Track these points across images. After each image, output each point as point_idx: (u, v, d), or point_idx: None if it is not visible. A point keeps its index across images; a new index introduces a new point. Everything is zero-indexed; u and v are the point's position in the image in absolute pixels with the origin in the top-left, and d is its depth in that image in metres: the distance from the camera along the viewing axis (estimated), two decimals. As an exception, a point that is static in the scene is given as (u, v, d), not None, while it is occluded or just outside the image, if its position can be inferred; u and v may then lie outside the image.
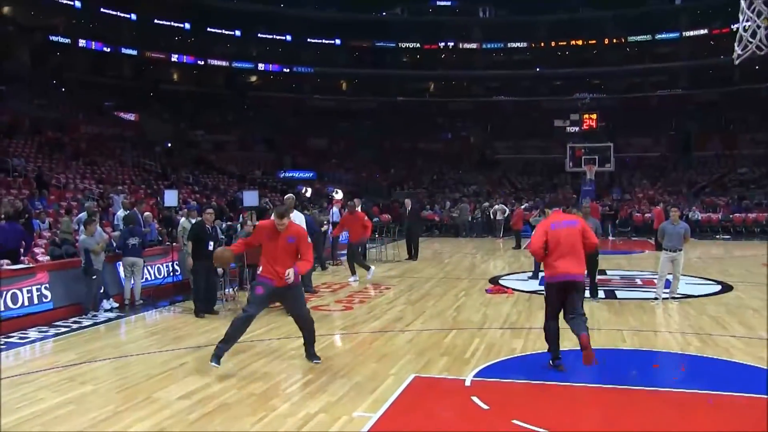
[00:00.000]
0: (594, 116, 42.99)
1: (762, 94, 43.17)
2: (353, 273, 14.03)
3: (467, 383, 6.56)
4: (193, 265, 10.53)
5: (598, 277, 12.00)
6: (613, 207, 31.59)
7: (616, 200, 34.04)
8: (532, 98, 49.51)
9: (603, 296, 11.67)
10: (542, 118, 45.21)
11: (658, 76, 49.20)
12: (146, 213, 14.50)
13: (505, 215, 26.84)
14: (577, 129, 42.51)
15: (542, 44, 51.24)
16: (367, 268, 13.80)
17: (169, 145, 38.91)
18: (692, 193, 35.53)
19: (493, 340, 8.44)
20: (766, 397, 6.07)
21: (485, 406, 5.85)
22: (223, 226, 15.06)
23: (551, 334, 7.08)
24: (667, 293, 11.32)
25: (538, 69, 50.71)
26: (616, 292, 12.48)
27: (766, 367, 7.03)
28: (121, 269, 11.60)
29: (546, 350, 7.20)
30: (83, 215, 14.53)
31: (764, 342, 8.19)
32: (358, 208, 18.65)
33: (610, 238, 26.29)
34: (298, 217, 11.46)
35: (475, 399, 6.01)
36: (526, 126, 45.73)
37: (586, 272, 7.45)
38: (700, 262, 17.43)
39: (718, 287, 13.11)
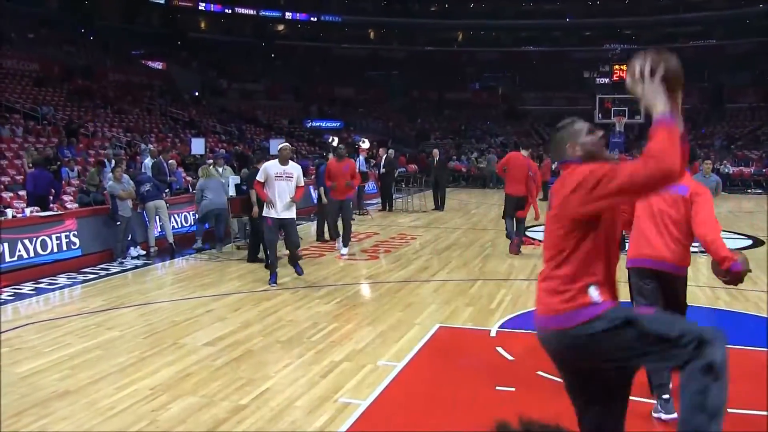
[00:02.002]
0: (625, 67, 41.84)
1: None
2: (336, 238, 11.60)
3: (492, 334, 6.51)
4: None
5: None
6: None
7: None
8: (561, 48, 48.44)
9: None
10: (571, 69, 44.31)
11: (692, 26, 47.72)
12: (171, 161, 14.52)
13: None
14: (607, 80, 41.52)
15: (573, -8, 49.90)
16: (342, 240, 11.20)
17: (197, 93, 38.85)
18: (724, 147, 34.75)
19: (519, 291, 8.37)
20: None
21: (510, 357, 5.81)
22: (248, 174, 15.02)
23: None
24: (695, 247, 11.04)
25: (568, 19, 49.48)
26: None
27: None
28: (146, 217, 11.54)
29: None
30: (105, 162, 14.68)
31: (795, 297, 8.02)
32: (383, 156, 18.56)
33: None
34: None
35: (499, 349, 5.97)
36: (555, 77, 44.89)
37: None
38: (731, 216, 17.09)
39: (749, 242, 12.87)
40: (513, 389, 5.10)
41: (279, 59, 47.53)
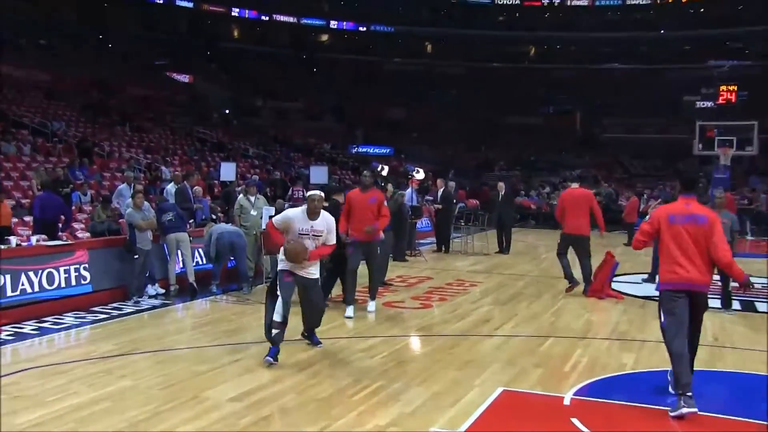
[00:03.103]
0: (733, 88, 41.21)
1: None
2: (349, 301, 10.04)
3: (566, 402, 6.42)
4: None
5: (734, 284, 11.56)
6: (753, 200, 30.38)
7: (757, 191, 32.70)
8: (653, 66, 48.06)
9: (738, 307, 11.24)
10: (665, 91, 43.93)
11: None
12: (196, 187, 14.81)
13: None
14: (710, 104, 40.99)
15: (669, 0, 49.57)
16: (369, 292, 10.35)
17: (227, 111, 39.63)
18: None
19: (598, 353, 8.25)
20: None
21: (587, 431, 5.72)
22: (285, 206, 15.24)
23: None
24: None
25: (662, 30, 49.14)
26: (756, 303, 11.96)
27: None
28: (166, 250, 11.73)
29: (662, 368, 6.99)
30: (123, 187, 14.96)
31: None
32: (440, 189, 18.56)
33: (749, 237, 25.34)
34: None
35: (575, 421, 5.88)
36: (645, 100, 44.53)
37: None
38: None
39: None
40: (591, 468, 5.01)
41: (321, 74, 48.37)
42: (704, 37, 47.38)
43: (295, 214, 7.65)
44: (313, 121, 43.62)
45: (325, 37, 52.46)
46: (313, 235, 7.54)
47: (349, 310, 9.81)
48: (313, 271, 7.73)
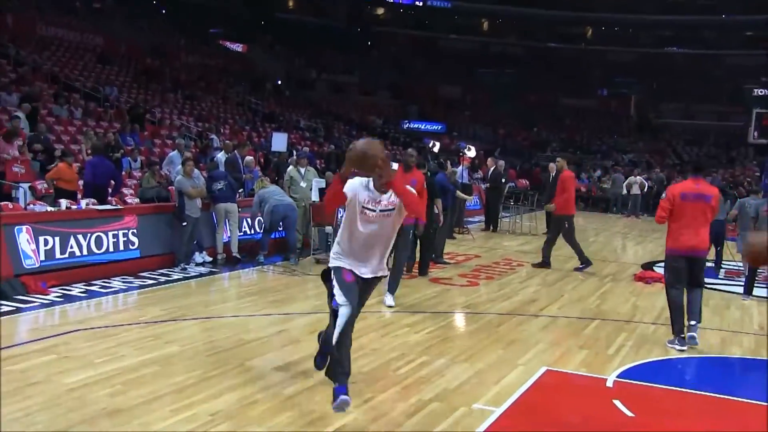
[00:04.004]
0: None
1: None
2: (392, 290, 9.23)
3: (609, 383, 6.41)
4: None
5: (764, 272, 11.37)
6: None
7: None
8: (713, 51, 46.88)
9: (764, 295, 11.00)
10: (724, 77, 42.89)
11: None
12: (248, 157, 14.89)
13: (644, 190, 25.99)
14: (768, 92, 39.92)
15: (734, -17, 48.20)
16: (388, 284, 9.05)
17: (280, 83, 39.71)
18: None
19: (644, 337, 8.19)
20: None
21: (629, 413, 5.70)
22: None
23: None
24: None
25: (723, 15, 47.85)
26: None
27: None
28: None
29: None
30: (173, 154, 15.05)
31: None
32: (491, 168, 18.45)
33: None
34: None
35: (617, 403, 5.87)
36: (703, 86, 43.54)
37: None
38: None
39: None
40: (632, 451, 5.01)
41: (376, 49, 48.22)
42: (766, 22, 45.96)
43: (358, 182, 5.33)
44: (366, 96, 43.52)
45: (381, 11, 52.16)
46: (381, 211, 5.27)
47: (389, 299, 9.03)
48: (383, 270, 5.49)
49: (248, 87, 34.66)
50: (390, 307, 8.87)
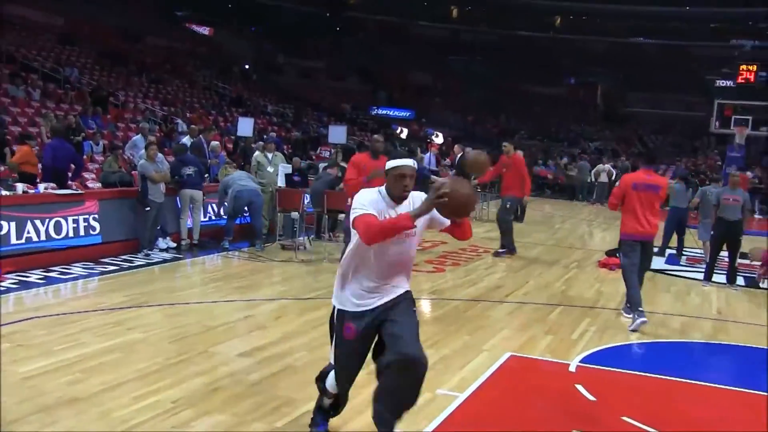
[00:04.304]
0: (753, 68, 40.62)
1: None
2: None
3: (572, 368, 6.46)
4: None
5: (740, 261, 11.53)
6: (763, 180, 30.18)
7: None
8: (679, 42, 47.31)
9: (743, 283, 11.23)
10: (690, 68, 43.30)
11: None
12: (213, 142, 14.72)
13: (612, 178, 26.26)
14: (730, 83, 40.38)
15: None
16: None
17: (248, 67, 39.31)
18: None
19: (607, 322, 8.28)
20: None
21: (591, 397, 5.75)
22: (303, 164, 15.24)
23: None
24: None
25: (689, 7, 48.27)
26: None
27: None
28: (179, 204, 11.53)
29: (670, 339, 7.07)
30: (137, 138, 14.79)
31: None
32: (458, 155, 18.47)
33: (757, 216, 25.22)
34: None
35: (579, 387, 5.92)
36: (670, 76, 43.95)
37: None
38: None
39: None
40: (593, 435, 5.05)
41: (346, 35, 47.95)
42: (730, 15, 46.49)
43: (375, 197, 4.29)
44: (336, 81, 43.32)
45: (353, -4, 51.87)
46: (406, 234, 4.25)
47: None
48: (402, 285, 4.45)
49: (215, 71, 34.28)
50: None
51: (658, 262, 12.72)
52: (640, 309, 8.05)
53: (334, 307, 4.46)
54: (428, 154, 19.13)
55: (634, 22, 49.76)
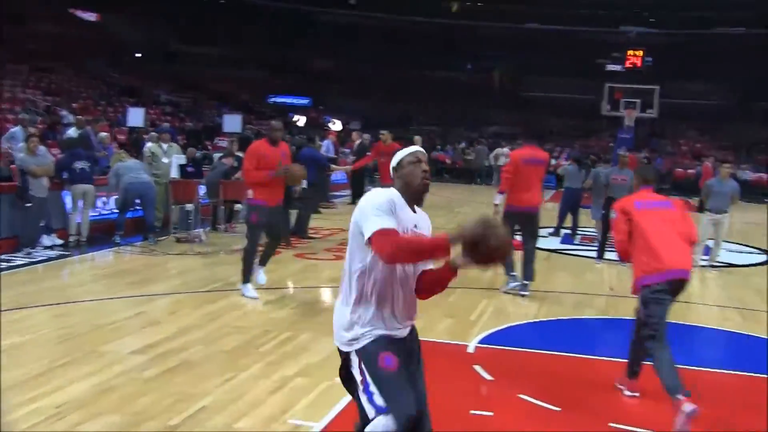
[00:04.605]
0: (639, 53, 42.33)
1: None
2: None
3: (470, 349, 6.56)
4: None
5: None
6: (651, 161, 31.45)
7: (657, 152, 33.86)
8: (569, 27, 48.60)
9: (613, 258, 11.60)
10: (580, 53, 44.53)
11: (720, 11, 48.01)
12: (102, 134, 14.25)
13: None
14: (619, 67, 41.86)
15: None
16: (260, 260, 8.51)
17: (140, 55, 38.19)
18: (745, 150, 35.32)
19: (504, 303, 8.45)
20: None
21: (489, 377, 5.85)
22: (197, 154, 14.95)
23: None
24: (705, 260, 11.33)
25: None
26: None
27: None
28: (68, 199, 10.97)
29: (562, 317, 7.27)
30: (16, 130, 14.11)
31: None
32: (356, 142, 18.50)
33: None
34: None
35: (477, 368, 6.01)
36: (561, 60, 45.12)
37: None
38: (747, 228, 17.32)
39: (766, 257, 13.08)
40: (491, 414, 5.14)
41: (243, 21, 47.10)
42: (617, 3, 48.07)
43: (392, 195, 3.52)
44: (233, 69, 42.56)
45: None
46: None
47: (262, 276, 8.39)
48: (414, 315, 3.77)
49: (106, 59, 33.14)
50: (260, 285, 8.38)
51: (553, 242, 13.10)
52: (513, 273, 8.79)
53: (345, 356, 3.57)
54: (326, 142, 19.07)
55: (528, 8, 50.86)
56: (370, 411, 3.36)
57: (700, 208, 12.85)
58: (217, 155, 14.55)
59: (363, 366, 3.44)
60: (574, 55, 45.05)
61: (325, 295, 8.77)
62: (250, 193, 8.07)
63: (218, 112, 30.63)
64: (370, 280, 3.48)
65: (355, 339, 3.49)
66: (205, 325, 6.93)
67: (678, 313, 8.26)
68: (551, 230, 14.02)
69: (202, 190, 12.21)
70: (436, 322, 7.39)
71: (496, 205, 8.86)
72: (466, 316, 7.71)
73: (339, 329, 3.58)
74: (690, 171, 29.69)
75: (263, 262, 8.37)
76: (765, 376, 6.22)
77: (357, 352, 3.47)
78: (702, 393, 5.52)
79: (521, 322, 7.64)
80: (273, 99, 40.59)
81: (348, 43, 46.87)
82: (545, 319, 7.84)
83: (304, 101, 40.86)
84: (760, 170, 31.09)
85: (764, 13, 45.81)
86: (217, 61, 42.69)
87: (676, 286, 5.30)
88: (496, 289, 9.15)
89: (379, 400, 3.35)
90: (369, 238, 3.33)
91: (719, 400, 5.64)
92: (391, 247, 3.26)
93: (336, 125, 22.81)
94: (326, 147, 18.48)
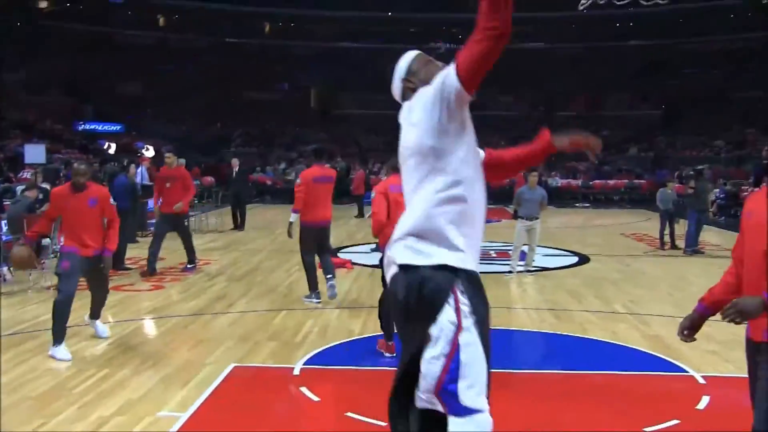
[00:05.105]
0: (451, 68, 44.12)
1: (627, 51, 46.11)
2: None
3: (296, 372, 6.53)
4: None
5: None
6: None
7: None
8: (384, 45, 49.88)
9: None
10: (393, 68, 45.79)
11: (522, 26, 51.02)
12: None
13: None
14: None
15: (397, -17, 51.63)
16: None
17: None
18: (552, 157, 37.52)
19: (329, 321, 8.49)
20: (619, 373, 6.60)
21: (315, 398, 5.85)
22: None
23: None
24: (522, 266, 11.90)
25: (390, 13, 51.14)
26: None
27: (617, 343, 7.56)
28: None
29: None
30: None
31: (618, 316, 8.84)
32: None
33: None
34: None
35: (304, 390, 6.00)
36: (376, 77, 46.09)
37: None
38: (559, 232, 18.45)
39: (575, 258, 13.96)
40: (318, 435, 5.13)
41: (45, 44, 44.83)
42: (429, 20, 50.02)
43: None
44: (36, 95, 40.39)
45: (45, 4, 48.57)
46: None
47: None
48: None
49: None
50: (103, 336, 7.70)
51: (376, 258, 13.32)
52: (318, 291, 9.46)
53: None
54: (140, 168, 18.47)
55: (340, 27, 51.78)
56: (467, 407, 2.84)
57: (515, 216, 13.53)
58: (19, 188, 13.73)
59: (468, 291, 2.88)
60: (387, 71, 46.18)
61: (145, 327, 8.47)
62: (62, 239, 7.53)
63: (23, 141, 28.93)
64: (473, 187, 3.02)
65: (456, 254, 2.88)
66: (8, 372, 6.45)
67: (500, 318, 8.72)
68: (373, 246, 14.27)
69: (4, 225, 11.46)
70: (260, 347, 7.33)
71: (291, 223, 9.58)
72: (292, 338, 7.69)
73: (432, 241, 2.91)
74: (504, 180, 31.25)
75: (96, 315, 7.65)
76: (579, 372, 6.65)
77: (461, 270, 2.88)
78: (524, 392, 5.81)
79: (347, 340, 7.71)
80: (82, 126, 38.85)
81: (157, 65, 45.78)
82: (372, 335, 7.93)
83: (115, 127, 39.40)
84: (566, 176, 33.20)
85: (560, 30, 49.26)
86: (18, 87, 40.37)
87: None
88: (321, 308, 9.20)
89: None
90: (456, 64, 2.94)
91: (542, 397, 5.95)
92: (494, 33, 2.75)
93: (149, 151, 22.16)
94: (140, 174, 17.89)
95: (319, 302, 9.37)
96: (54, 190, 8.05)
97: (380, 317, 6.97)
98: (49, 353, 6.88)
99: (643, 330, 8.23)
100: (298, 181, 9.61)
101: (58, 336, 6.89)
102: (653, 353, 7.17)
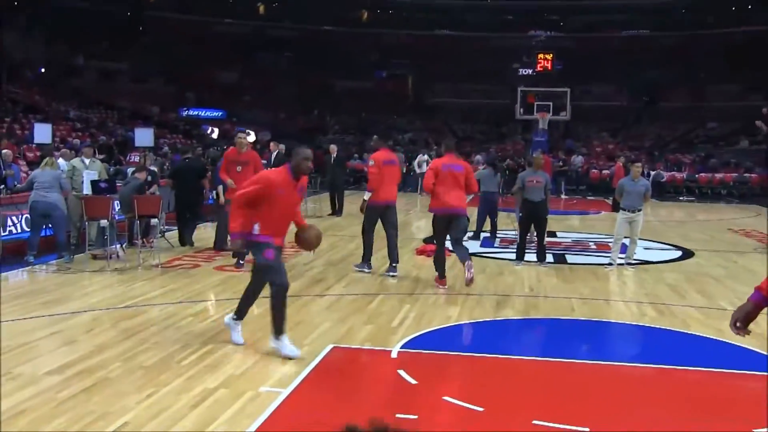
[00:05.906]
0: (549, 56, 43.51)
1: (735, 39, 44.34)
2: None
3: (393, 355, 6.61)
4: None
5: (548, 239, 12.26)
6: (568, 162, 32.27)
7: (573, 154, 34.74)
8: (478, 33, 49.51)
9: (551, 260, 11.96)
10: (489, 58, 45.43)
11: (622, 14, 49.75)
12: (5, 151, 13.86)
13: None
14: (530, 71, 42.90)
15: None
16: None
17: (43, 71, 37.21)
18: (656, 150, 36.56)
19: (425, 308, 8.54)
20: (722, 371, 6.41)
21: (413, 381, 5.91)
22: (111, 170, 14.67)
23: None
24: (622, 258, 11.69)
25: (488, 0, 50.69)
26: (567, 256, 12.81)
27: (723, 340, 7.34)
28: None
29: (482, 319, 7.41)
30: None
31: (723, 313, 8.56)
32: (274, 153, 18.44)
33: (563, 196, 26.91)
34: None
35: (401, 372, 6.07)
36: (471, 66, 45.90)
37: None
38: (661, 225, 18.00)
39: (678, 253, 13.62)
40: (415, 417, 5.19)
41: (148, 34, 46.37)
42: (525, 8, 49.26)
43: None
44: (139, 83, 41.85)
45: (151, -5, 50.20)
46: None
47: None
48: None
49: (4, 76, 32.16)
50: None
51: (473, 246, 13.32)
52: (369, 263, 10.52)
53: None
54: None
55: (436, 15, 51.61)
56: None
57: (615, 207, 13.28)
58: (130, 170, 14.29)
59: None
60: (483, 61, 45.89)
61: (245, 307, 8.72)
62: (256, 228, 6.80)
63: (128, 126, 30.04)
64: None
65: None
66: (123, 342, 6.80)
67: (598, 311, 8.63)
68: (470, 234, 14.25)
69: (117, 205, 11.97)
70: (357, 330, 7.44)
71: (364, 200, 10.57)
72: (388, 323, 7.78)
73: None
74: (605, 172, 30.46)
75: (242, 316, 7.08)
76: (683, 368, 6.51)
77: None
78: (618, 385, 5.75)
79: (443, 326, 7.75)
80: (185, 112, 40.08)
81: (254, 54, 46.65)
82: (467, 321, 7.98)
83: (217, 113, 40.46)
84: (671, 169, 32.27)
85: (660, 18, 47.61)
86: (123, 76, 41.94)
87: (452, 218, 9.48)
88: (417, 293, 9.28)
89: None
90: None
91: (642, 392, 5.87)
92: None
93: (251, 136, 22.63)
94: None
95: (369, 271, 10.50)
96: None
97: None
98: (271, 345, 6.61)
99: (750, 327, 7.96)
100: (371, 162, 10.38)
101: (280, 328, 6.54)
102: (761, 351, 6.94)
